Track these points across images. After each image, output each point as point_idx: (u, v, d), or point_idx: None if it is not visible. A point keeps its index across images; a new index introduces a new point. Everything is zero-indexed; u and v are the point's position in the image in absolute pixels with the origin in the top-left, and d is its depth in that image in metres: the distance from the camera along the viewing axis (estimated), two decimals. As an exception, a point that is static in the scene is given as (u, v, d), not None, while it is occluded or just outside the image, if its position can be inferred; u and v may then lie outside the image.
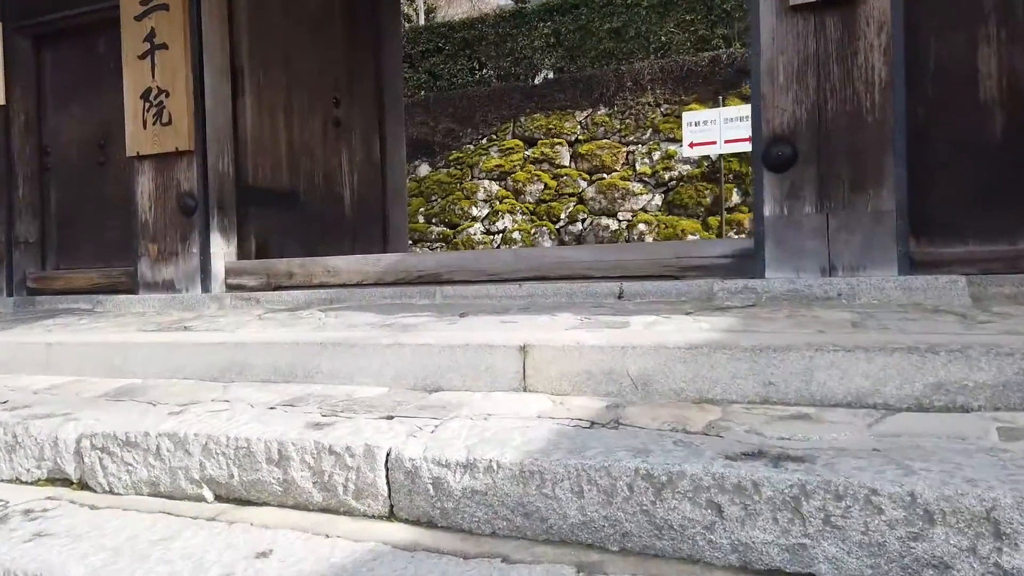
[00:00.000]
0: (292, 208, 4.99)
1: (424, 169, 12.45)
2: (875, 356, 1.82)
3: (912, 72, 2.90)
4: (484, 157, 11.87)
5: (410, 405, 2.10)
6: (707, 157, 10.06)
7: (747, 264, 3.20)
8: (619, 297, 3.31)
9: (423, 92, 12.82)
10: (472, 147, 12.07)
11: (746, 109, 9.51)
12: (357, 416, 1.99)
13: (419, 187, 12.38)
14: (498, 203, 11.63)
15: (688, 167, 10.37)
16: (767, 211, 3.05)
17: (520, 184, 11.48)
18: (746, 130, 9.42)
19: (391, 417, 1.96)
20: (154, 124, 4.33)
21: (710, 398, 1.96)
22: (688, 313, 2.67)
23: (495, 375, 2.21)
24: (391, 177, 6.13)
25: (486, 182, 11.81)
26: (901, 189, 2.85)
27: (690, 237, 10.09)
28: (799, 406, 1.86)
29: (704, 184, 10.22)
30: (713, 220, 10.02)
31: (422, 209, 12.22)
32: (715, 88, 10.36)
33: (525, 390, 2.18)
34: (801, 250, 2.99)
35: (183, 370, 2.67)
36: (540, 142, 11.50)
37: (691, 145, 9.78)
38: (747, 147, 9.52)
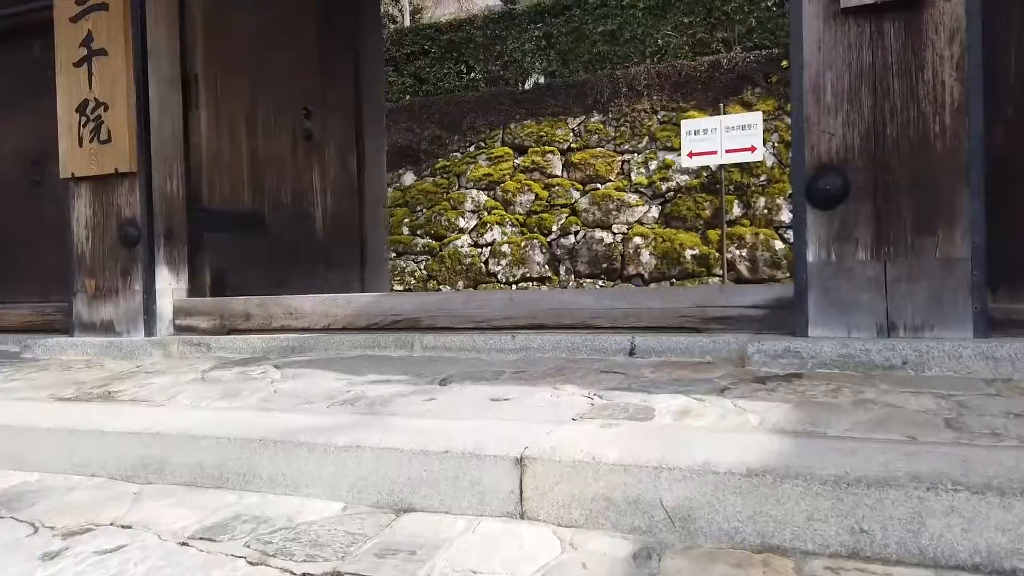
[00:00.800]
0: (255, 232, 4.44)
1: (409, 178, 11.88)
2: (1014, 502, 1.30)
3: (990, 89, 2.39)
4: (472, 166, 11.32)
5: (370, 542, 1.57)
6: (707, 167, 9.56)
7: (784, 317, 2.68)
8: (631, 354, 2.78)
9: (408, 97, 12.26)
10: (459, 155, 11.51)
11: (750, 117, 9.03)
12: (295, 570, 1.45)
13: (403, 196, 11.81)
14: (487, 214, 11.09)
15: (686, 177, 9.88)
16: (811, 255, 2.53)
17: (510, 194, 10.95)
18: (749, 139, 8.94)
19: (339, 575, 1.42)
20: (91, 141, 3.76)
21: (777, 545, 1.43)
22: (724, 391, 2.15)
23: (483, 493, 1.68)
24: (369, 195, 5.59)
25: (474, 192, 11.26)
26: (978, 231, 2.34)
27: (689, 252, 9.60)
28: (906, 567, 1.34)
29: (703, 195, 9.73)
30: (713, 234, 9.53)
31: (407, 220, 11.66)
32: (715, 95, 9.86)
33: (522, 517, 1.64)
34: (853, 304, 2.48)
35: (90, 464, 2.12)
36: (531, 150, 10.97)
37: (690, 155, 9.27)
38: (749, 157, 9.04)
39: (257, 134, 4.48)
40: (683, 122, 9.40)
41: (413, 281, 11.42)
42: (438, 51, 12.14)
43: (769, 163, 9.45)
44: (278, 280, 4.57)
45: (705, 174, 9.75)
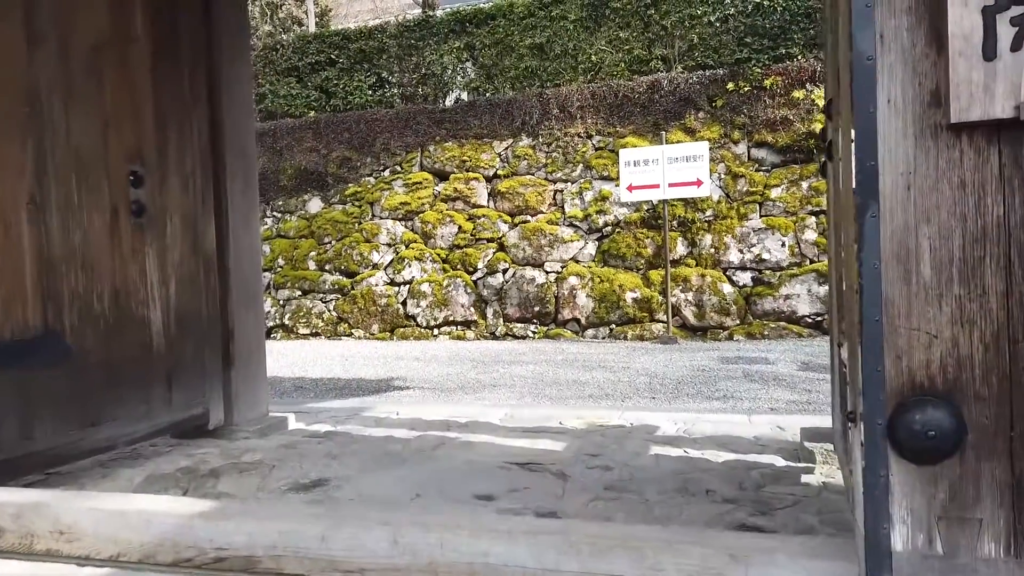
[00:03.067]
0: (48, 360, 3.13)
1: (315, 204, 10.52)
2: None
3: None
4: (387, 192, 10.07)
5: None
6: (648, 200, 8.63)
7: (844, 619, 1.63)
8: (591, 667, 1.68)
9: (312, 112, 10.87)
10: (372, 180, 10.24)
11: (695, 147, 8.13)
12: None
13: (309, 226, 10.45)
14: (404, 248, 9.86)
15: (625, 211, 8.92)
16: (898, 541, 1.49)
17: (430, 226, 9.75)
18: (694, 172, 8.04)
19: None
20: None
21: None
22: None
23: None
24: (237, 270, 4.31)
25: (389, 222, 10.01)
26: None
27: (629, 294, 8.64)
28: None
29: (644, 231, 8.79)
30: (655, 274, 8.60)
31: (313, 253, 10.30)
32: (655, 118, 8.93)
33: None
34: (974, 632, 1.44)
35: None
36: (453, 176, 9.80)
37: (630, 188, 8.31)
38: (695, 192, 8.14)
39: (49, 220, 3.16)
40: (622, 151, 8.42)
41: (321, 324, 10.09)
42: (347, 61, 10.80)
43: (715, 197, 8.58)
44: (89, 419, 3.28)
45: (646, 207, 8.81)
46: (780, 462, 3.37)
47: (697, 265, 8.55)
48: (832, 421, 3.34)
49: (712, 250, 8.49)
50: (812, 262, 8.13)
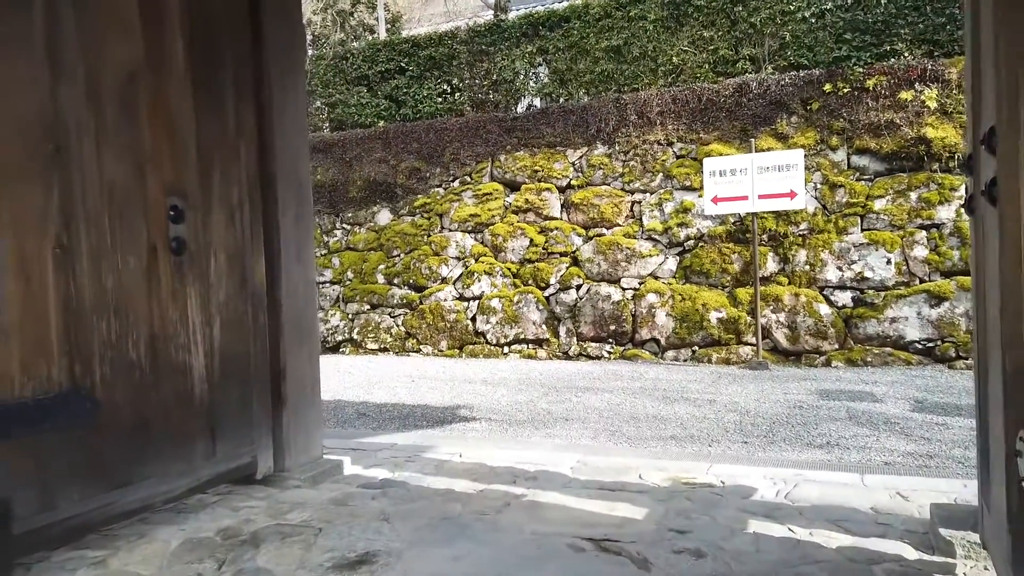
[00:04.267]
0: (72, 420, 2.86)
1: (384, 216, 10.31)
2: None
3: None
4: (456, 204, 9.74)
5: None
6: (734, 212, 7.97)
7: None
8: None
9: (382, 122, 10.66)
10: (442, 191, 9.94)
11: (788, 155, 7.42)
12: None
13: (378, 239, 10.24)
14: (473, 262, 9.52)
15: (709, 223, 8.29)
16: None
17: (500, 239, 9.37)
18: (787, 183, 7.34)
19: None
20: None
21: None
22: None
23: None
24: (290, 306, 4.01)
25: (459, 235, 9.68)
26: None
27: (714, 314, 8.00)
28: None
29: (730, 246, 8.13)
30: (742, 293, 7.93)
31: (381, 267, 10.09)
32: (742, 124, 8.26)
33: None
34: None
35: None
36: (524, 187, 9.38)
37: (715, 200, 7.68)
38: (788, 204, 7.44)
39: (77, 265, 2.90)
40: (706, 160, 7.80)
41: (389, 339, 9.86)
42: (416, 69, 10.54)
43: (811, 209, 7.84)
44: (120, 480, 3.01)
45: (732, 220, 8.15)
46: (910, 553, 2.78)
47: (790, 283, 7.83)
48: (981, 506, 2.72)
49: (807, 267, 7.76)
50: (922, 281, 7.30)
